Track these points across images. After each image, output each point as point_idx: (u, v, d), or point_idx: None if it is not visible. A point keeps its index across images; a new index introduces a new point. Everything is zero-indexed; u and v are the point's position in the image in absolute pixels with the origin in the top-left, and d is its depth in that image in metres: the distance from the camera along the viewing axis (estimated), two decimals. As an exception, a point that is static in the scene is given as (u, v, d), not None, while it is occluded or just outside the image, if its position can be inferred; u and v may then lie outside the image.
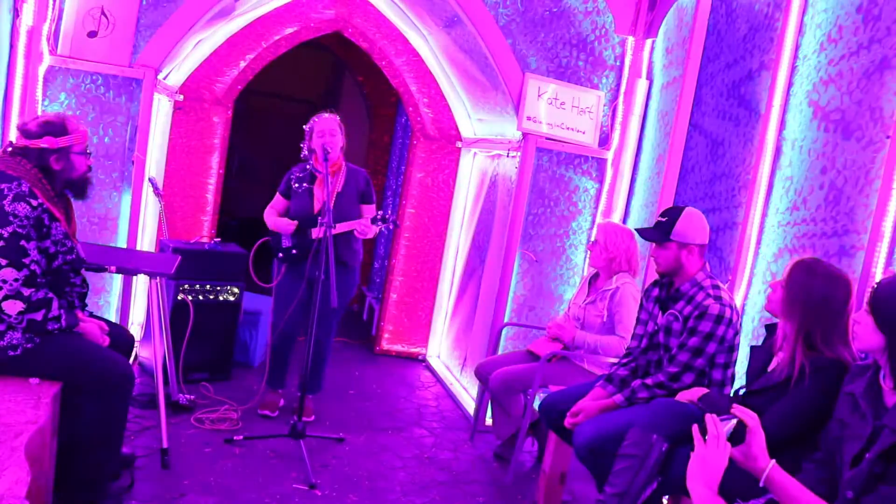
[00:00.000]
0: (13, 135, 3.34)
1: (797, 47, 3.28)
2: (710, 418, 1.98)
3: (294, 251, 4.17)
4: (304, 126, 4.23)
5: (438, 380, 5.53)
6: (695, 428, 1.98)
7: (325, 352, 4.32)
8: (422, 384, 5.42)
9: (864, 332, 2.07)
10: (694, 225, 3.05)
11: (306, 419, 4.20)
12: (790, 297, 2.50)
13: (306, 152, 4.23)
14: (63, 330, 2.75)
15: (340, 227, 4.01)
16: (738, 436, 2.05)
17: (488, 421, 4.36)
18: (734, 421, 2.05)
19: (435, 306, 5.96)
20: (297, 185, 4.24)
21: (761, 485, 1.96)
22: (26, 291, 2.62)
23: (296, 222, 4.15)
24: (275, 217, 4.27)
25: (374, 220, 4.10)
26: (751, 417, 2.02)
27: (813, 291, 2.45)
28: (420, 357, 6.02)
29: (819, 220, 2.99)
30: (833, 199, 2.92)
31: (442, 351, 5.88)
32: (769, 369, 2.64)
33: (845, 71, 2.95)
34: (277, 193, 4.33)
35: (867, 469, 1.95)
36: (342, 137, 4.18)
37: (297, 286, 4.20)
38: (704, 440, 1.95)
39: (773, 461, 1.95)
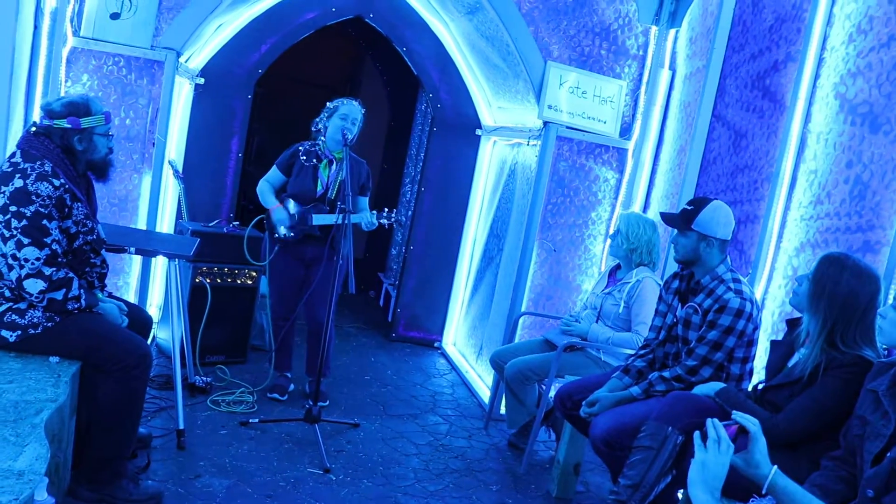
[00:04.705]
0: (37, 115, 3.36)
1: (825, 38, 3.23)
2: (710, 423, 1.94)
3: (292, 234, 4.14)
4: (327, 103, 4.20)
5: (454, 367, 5.54)
6: (696, 434, 1.94)
7: (331, 335, 4.32)
8: (437, 371, 5.42)
9: (890, 328, 2.04)
10: (718, 218, 3.01)
11: (321, 404, 4.21)
12: (817, 290, 2.46)
13: (320, 128, 4.18)
14: (82, 310, 2.77)
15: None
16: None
17: (503, 409, 4.36)
18: (735, 427, 2.00)
19: (451, 294, 5.96)
20: (304, 158, 4.16)
21: (764, 492, 1.91)
22: (47, 270, 2.64)
23: (291, 220, 4.12)
24: (272, 199, 4.20)
25: (379, 216, 4.09)
26: (752, 423, 1.98)
27: (840, 286, 2.41)
28: (436, 344, 6.02)
29: (843, 215, 2.95)
30: (858, 193, 2.89)
31: (458, 338, 5.88)
32: (789, 364, 2.61)
33: (875, 63, 2.90)
34: (275, 167, 4.25)
35: (888, 467, 1.93)
36: (357, 129, 4.13)
37: (291, 267, 4.20)
38: (706, 446, 1.90)
39: (776, 467, 1.91)
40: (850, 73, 3.04)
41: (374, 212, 4.12)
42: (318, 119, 4.19)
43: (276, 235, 4.18)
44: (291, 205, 4.15)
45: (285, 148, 4.29)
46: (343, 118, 4.06)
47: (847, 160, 2.98)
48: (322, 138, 4.17)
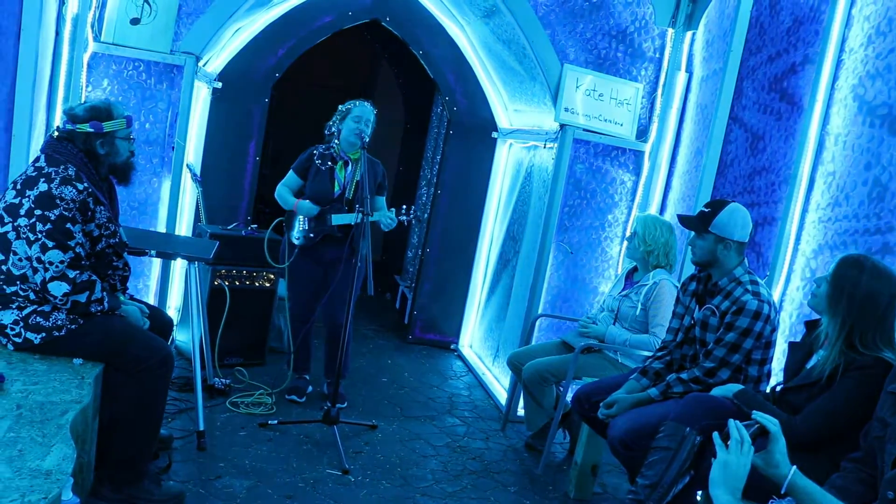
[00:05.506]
0: (59, 120, 3.41)
1: (843, 40, 3.22)
2: (732, 423, 1.95)
3: (311, 235, 4.17)
4: (340, 106, 4.22)
5: (470, 369, 5.55)
6: (716, 435, 1.94)
7: (349, 337, 4.33)
8: (454, 373, 5.44)
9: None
10: (735, 221, 3.01)
11: (339, 405, 4.23)
12: (835, 292, 2.46)
13: (334, 131, 4.21)
14: (105, 312, 2.80)
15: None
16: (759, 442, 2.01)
17: (520, 411, 4.37)
18: (756, 427, 2.01)
19: (468, 296, 5.97)
20: (319, 161, 4.19)
21: (783, 492, 1.91)
22: (71, 273, 2.67)
23: (319, 207, 4.13)
24: (293, 197, 4.20)
25: (398, 215, 4.11)
26: (772, 423, 1.98)
27: (859, 288, 2.41)
28: (452, 346, 6.04)
29: (862, 217, 2.94)
30: (877, 195, 2.88)
31: (474, 341, 5.89)
32: (808, 366, 2.61)
33: (894, 65, 2.89)
34: (292, 171, 4.27)
35: (909, 470, 1.92)
36: (371, 130, 4.16)
37: (310, 270, 4.23)
38: (727, 446, 1.91)
39: (795, 467, 1.91)
40: (868, 74, 3.03)
41: (393, 209, 4.15)
42: (330, 122, 4.22)
43: (295, 241, 4.20)
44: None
45: (302, 151, 4.32)
46: (356, 120, 4.09)
47: (865, 162, 2.97)
48: (336, 141, 4.19)
